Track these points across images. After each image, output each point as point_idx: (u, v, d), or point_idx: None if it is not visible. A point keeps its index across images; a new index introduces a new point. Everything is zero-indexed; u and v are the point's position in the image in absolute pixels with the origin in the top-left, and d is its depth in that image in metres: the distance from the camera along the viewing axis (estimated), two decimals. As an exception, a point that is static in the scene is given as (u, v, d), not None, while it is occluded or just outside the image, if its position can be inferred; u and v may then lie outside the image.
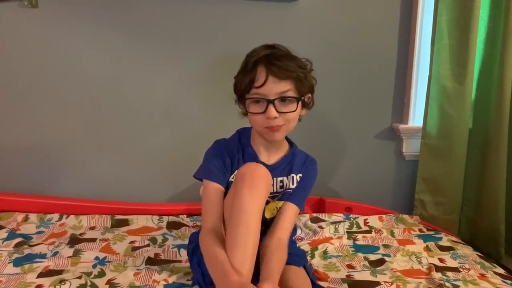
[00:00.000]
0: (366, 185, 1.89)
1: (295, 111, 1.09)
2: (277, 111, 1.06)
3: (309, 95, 1.17)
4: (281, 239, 1.10)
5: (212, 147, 1.19)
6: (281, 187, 1.19)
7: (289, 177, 1.18)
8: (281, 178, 1.18)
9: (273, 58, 1.07)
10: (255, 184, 1.00)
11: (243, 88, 1.09)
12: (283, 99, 1.07)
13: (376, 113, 1.86)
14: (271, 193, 1.14)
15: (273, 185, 1.15)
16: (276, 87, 1.06)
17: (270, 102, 1.06)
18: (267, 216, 1.17)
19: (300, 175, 1.20)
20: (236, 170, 1.14)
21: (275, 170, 1.14)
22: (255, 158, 1.16)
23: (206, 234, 1.06)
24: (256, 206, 1.00)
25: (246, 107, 1.11)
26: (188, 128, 1.76)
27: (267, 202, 1.13)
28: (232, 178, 1.14)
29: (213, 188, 1.12)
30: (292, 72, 1.07)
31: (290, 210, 1.15)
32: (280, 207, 1.17)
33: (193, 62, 1.71)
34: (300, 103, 1.11)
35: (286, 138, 1.23)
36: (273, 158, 1.19)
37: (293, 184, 1.18)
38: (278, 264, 1.02)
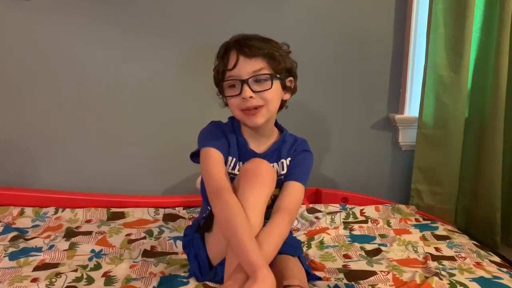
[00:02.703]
0: (362, 175, 1.89)
1: (270, 89, 1.08)
2: (252, 90, 1.06)
3: (291, 78, 1.16)
4: (284, 215, 1.06)
5: (209, 126, 1.17)
6: None
7: (279, 163, 1.16)
8: (272, 165, 1.17)
9: (243, 40, 1.08)
10: (258, 180, 0.99)
11: (219, 76, 1.10)
12: (257, 79, 1.07)
13: (372, 103, 1.85)
14: None
15: None
16: (247, 66, 1.06)
17: (244, 82, 1.05)
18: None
19: (290, 159, 1.18)
20: (229, 156, 1.13)
21: (265, 158, 1.12)
22: (245, 146, 1.16)
23: (227, 192, 0.98)
24: (258, 202, 0.99)
25: (223, 93, 1.11)
26: (183, 120, 1.75)
27: None
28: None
29: (215, 152, 1.08)
30: (263, 49, 1.07)
31: (291, 186, 1.12)
32: (280, 190, 1.14)
33: (181, 50, 1.71)
34: (278, 82, 1.10)
35: (277, 125, 1.22)
36: (263, 146, 1.18)
37: (283, 170, 1.16)
38: (276, 240, 0.99)
